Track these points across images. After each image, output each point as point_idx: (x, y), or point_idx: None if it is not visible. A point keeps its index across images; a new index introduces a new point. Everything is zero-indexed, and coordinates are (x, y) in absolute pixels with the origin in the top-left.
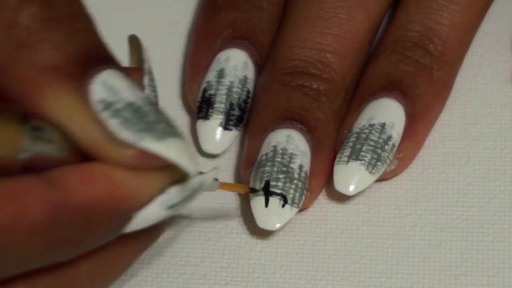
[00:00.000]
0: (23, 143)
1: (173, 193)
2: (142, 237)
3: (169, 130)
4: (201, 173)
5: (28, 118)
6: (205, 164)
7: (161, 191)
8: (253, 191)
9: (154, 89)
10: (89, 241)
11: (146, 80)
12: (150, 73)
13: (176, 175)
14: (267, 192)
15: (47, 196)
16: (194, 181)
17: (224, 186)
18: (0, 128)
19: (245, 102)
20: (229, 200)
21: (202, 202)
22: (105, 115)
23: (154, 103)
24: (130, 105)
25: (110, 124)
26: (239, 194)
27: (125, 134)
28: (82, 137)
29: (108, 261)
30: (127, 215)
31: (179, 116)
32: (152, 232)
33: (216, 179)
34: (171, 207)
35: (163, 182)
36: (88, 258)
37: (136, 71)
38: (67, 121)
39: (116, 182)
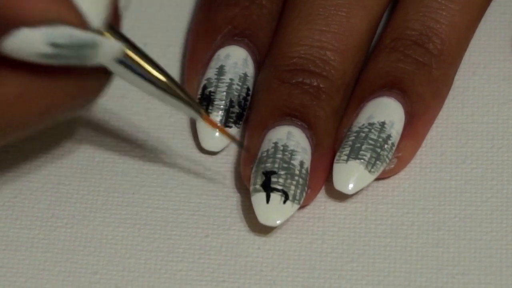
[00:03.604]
0: None
1: (61, 31)
2: (77, 80)
3: None
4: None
5: None
6: (205, 161)
7: (50, 22)
8: (241, 145)
9: None
10: None
11: None
12: None
13: (77, 21)
14: (268, 188)
15: None
16: (88, 34)
17: (208, 120)
18: None
19: (245, 99)
20: (227, 196)
21: (200, 198)
22: None
23: None
24: None
25: None
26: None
27: None
28: None
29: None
30: (4, 24)
31: (178, 113)
32: (87, 78)
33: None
34: (55, 46)
35: (55, 14)
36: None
37: None
38: None
39: None
